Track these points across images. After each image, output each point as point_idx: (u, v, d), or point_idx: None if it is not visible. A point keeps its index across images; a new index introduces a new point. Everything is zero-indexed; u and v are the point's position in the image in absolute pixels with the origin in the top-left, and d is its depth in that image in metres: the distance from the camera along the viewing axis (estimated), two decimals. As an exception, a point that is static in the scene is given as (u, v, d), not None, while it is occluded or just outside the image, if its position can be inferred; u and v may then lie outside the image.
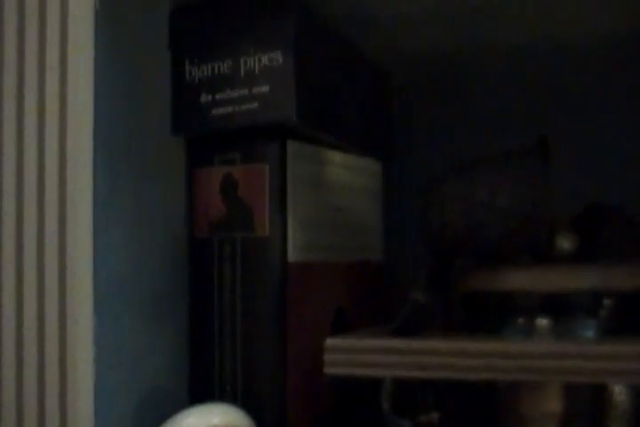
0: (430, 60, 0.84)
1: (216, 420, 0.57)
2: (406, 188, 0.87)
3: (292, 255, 0.64)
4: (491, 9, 0.71)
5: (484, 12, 0.71)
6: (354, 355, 0.61)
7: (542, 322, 0.60)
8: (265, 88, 0.63)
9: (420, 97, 0.90)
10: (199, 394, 0.66)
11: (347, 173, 0.74)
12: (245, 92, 0.64)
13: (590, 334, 0.59)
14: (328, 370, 0.61)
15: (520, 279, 0.60)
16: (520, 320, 0.60)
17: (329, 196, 0.70)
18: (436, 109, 0.90)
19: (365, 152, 0.77)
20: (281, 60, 0.63)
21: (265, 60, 0.63)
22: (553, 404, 0.59)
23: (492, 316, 0.62)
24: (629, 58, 0.83)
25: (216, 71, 0.65)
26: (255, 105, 0.63)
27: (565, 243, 0.60)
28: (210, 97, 0.65)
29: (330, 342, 0.61)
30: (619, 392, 0.57)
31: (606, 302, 0.59)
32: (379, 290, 0.80)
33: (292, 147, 0.64)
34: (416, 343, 0.60)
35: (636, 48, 0.80)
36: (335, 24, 0.70)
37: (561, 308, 0.60)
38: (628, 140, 0.83)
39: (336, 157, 0.72)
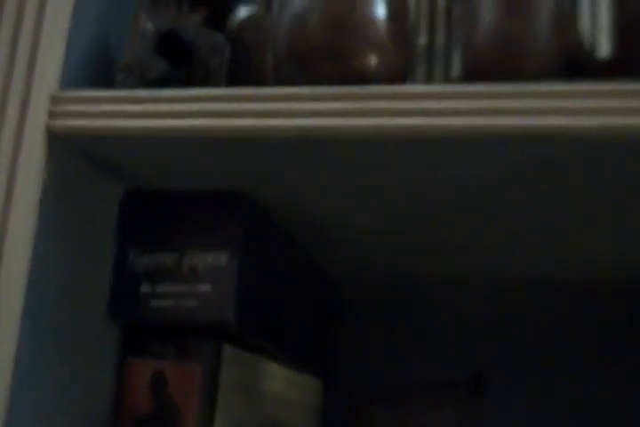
0: (382, 279, 0.84)
1: None
2: (345, 407, 0.84)
3: (216, 464, 0.61)
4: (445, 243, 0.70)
5: (439, 245, 0.70)
6: None
7: None
8: (206, 287, 0.61)
9: (368, 315, 0.89)
10: None
11: (285, 387, 0.71)
12: (186, 288, 0.61)
13: None
14: None
15: None
16: None
17: (264, 407, 0.67)
18: (383, 330, 0.89)
19: (306, 368, 0.75)
20: (225, 261, 0.61)
21: (209, 258, 0.61)
22: None
23: None
24: (574, 306, 0.84)
25: (159, 263, 0.62)
26: (195, 303, 0.61)
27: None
28: (150, 288, 0.62)
29: None
30: None
31: None
32: None
33: (228, 351, 0.62)
34: None
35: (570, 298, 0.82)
36: (286, 229, 0.69)
37: None
38: (566, 385, 0.83)
39: (275, 369, 0.69)
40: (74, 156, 0.58)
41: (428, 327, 0.86)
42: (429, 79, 0.55)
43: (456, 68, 0.54)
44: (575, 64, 0.53)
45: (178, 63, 0.57)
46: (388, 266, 0.80)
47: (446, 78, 0.54)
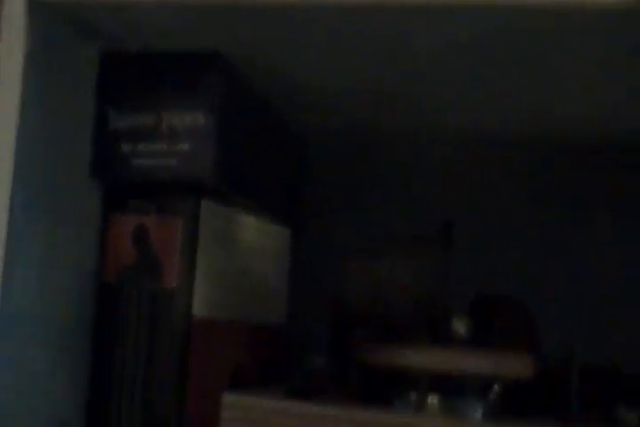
0: (350, 135, 0.86)
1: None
2: (314, 255, 0.88)
3: (198, 310, 0.65)
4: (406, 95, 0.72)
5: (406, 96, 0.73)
6: (250, 413, 0.63)
7: (433, 399, 0.62)
8: (185, 146, 0.63)
9: (336, 170, 0.92)
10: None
11: (256, 236, 0.75)
12: (165, 147, 0.64)
13: (477, 415, 0.61)
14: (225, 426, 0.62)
15: (416, 357, 0.62)
16: (412, 395, 0.62)
17: (238, 257, 0.71)
18: (351, 183, 0.92)
19: (277, 218, 0.78)
20: (203, 121, 0.63)
21: (188, 118, 0.63)
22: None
23: (387, 388, 0.63)
24: (534, 160, 0.86)
25: (139, 122, 0.65)
26: (174, 161, 0.64)
27: (461, 326, 0.62)
28: (130, 147, 0.65)
29: (228, 397, 0.62)
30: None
31: (495, 386, 0.61)
32: (278, 351, 0.82)
33: (206, 206, 0.65)
34: (307, 407, 0.61)
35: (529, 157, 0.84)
36: (259, 88, 0.71)
37: (453, 387, 0.62)
38: (529, 235, 0.86)
39: (248, 220, 0.73)
40: (54, 22, 0.59)
41: (399, 182, 0.89)
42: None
43: None
44: None
45: None
46: (358, 122, 0.83)
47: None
